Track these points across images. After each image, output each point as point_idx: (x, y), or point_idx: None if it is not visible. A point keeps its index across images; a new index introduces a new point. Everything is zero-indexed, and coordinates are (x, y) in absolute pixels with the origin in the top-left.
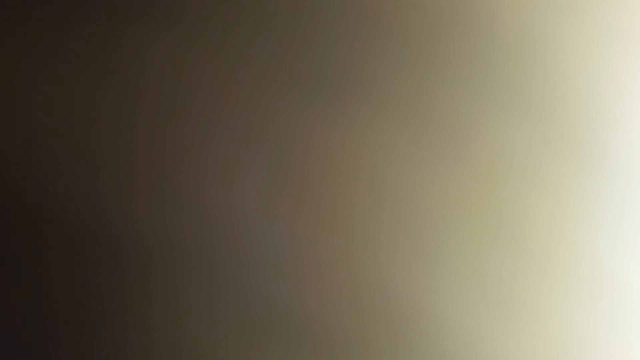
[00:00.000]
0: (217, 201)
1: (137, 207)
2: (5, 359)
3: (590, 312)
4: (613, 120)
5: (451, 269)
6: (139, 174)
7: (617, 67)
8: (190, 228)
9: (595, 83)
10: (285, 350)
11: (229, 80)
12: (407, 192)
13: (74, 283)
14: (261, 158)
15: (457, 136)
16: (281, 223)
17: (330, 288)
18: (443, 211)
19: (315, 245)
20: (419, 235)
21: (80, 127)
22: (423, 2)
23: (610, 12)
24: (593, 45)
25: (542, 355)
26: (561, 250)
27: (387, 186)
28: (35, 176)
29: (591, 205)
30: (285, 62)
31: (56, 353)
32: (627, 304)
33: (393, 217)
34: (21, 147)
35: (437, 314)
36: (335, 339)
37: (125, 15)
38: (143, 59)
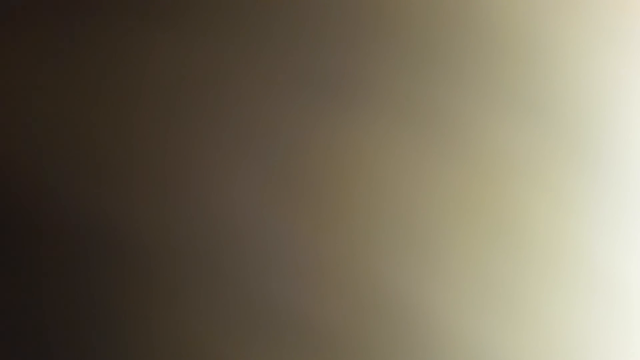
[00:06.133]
0: (217, 201)
1: (137, 206)
2: (5, 359)
3: (590, 312)
4: (613, 120)
5: (451, 268)
6: (139, 173)
7: (617, 67)
8: (191, 228)
9: (595, 83)
10: (285, 350)
11: (229, 80)
12: (407, 192)
13: (74, 283)
14: (261, 158)
15: (458, 136)
16: (281, 223)
17: (330, 288)
18: (443, 211)
19: (315, 245)
20: (419, 235)
21: (80, 127)
22: (424, 3)
23: (610, 12)
24: (593, 45)
25: (542, 355)
26: (561, 250)
27: (387, 186)
28: (35, 176)
29: (591, 205)
30: (285, 62)
31: (56, 353)
32: (627, 304)
33: (393, 217)
34: (21, 148)
35: (437, 314)
36: (335, 338)
37: (125, 15)
38: (143, 59)
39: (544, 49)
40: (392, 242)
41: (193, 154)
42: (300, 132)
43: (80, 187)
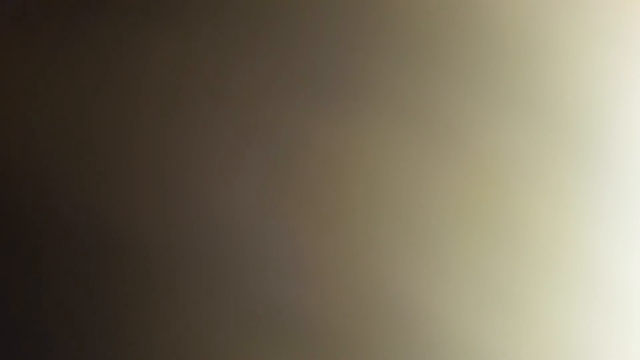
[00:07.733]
0: (217, 201)
1: (137, 206)
2: (6, 359)
3: (590, 312)
4: (613, 120)
5: (451, 268)
6: (139, 173)
7: (617, 67)
8: (190, 228)
9: (595, 83)
10: (285, 349)
11: (229, 80)
12: (407, 193)
13: (74, 283)
14: (261, 158)
15: (458, 136)
16: (281, 223)
17: (330, 288)
18: (443, 211)
19: (315, 245)
20: (419, 235)
21: (80, 127)
22: (424, 3)
23: (610, 12)
24: (593, 45)
25: (542, 355)
26: (561, 250)
27: (387, 186)
28: (35, 176)
29: (591, 205)
30: (285, 62)
31: (56, 353)
32: (627, 304)
33: (393, 217)
34: (21, 148)
35: (437, 314)
36: (335, 338)
37: (125, 15)
38: (143, 59)
39: (544, 49)
40: (392, 242)
41: (193, 154)
42: (300, 132)
43: (80, 187)
